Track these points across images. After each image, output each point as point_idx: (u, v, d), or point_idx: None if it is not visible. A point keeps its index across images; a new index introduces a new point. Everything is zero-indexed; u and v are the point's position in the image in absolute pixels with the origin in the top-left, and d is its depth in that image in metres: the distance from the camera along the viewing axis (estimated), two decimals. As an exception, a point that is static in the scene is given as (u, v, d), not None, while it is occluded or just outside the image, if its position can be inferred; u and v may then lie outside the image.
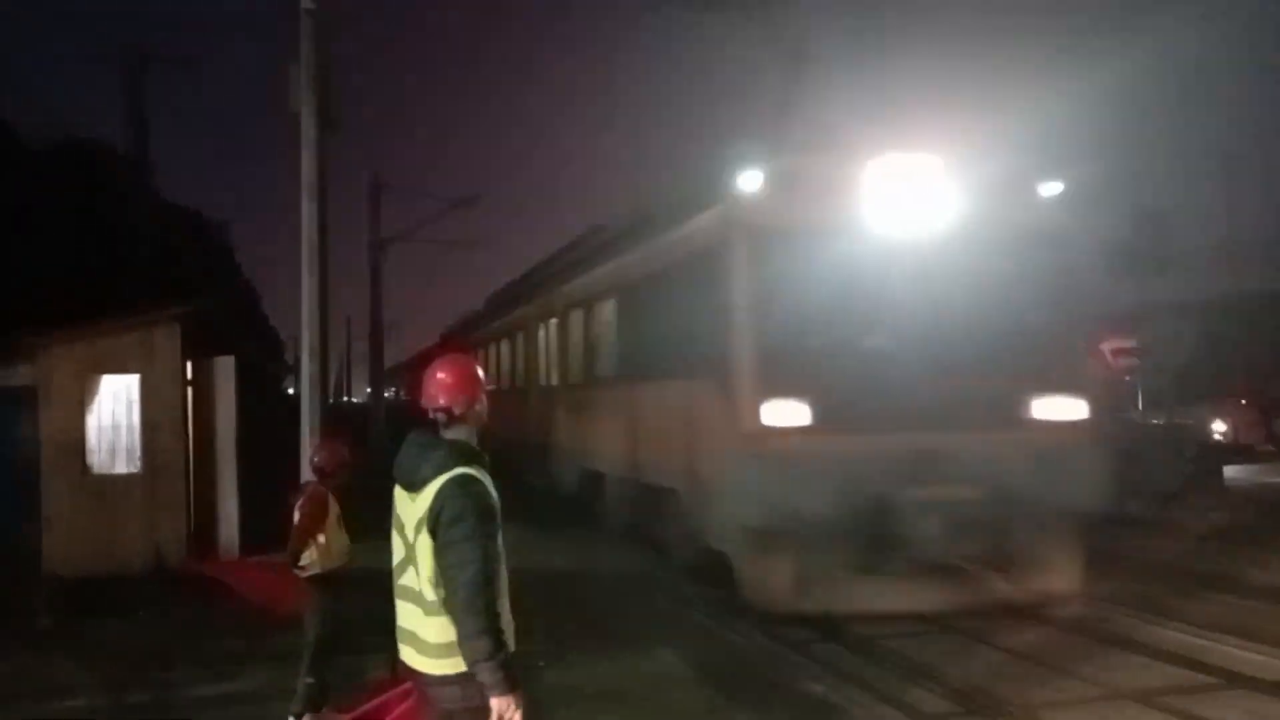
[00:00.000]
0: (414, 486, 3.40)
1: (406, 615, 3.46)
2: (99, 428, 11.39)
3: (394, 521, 3.55)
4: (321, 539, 5.94)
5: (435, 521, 3.29)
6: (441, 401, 3.55)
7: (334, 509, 6.05)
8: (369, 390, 37.98)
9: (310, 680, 5.90)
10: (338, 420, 11.14)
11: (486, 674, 3.19)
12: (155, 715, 6.43)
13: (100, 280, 17.08)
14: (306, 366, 11.05)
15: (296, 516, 6.13)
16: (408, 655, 3.46)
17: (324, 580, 6.01)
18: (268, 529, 11.58)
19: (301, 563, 5.99)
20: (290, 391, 31.13)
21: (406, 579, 3.45)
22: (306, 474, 10.47)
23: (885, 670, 7.13)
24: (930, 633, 8.14)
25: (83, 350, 11.29)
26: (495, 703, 3.21)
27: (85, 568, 10.66)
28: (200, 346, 12.04)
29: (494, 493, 3.42)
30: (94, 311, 12.36)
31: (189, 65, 23.21)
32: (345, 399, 72.32)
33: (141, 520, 11.14)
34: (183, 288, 16.87)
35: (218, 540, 11.77)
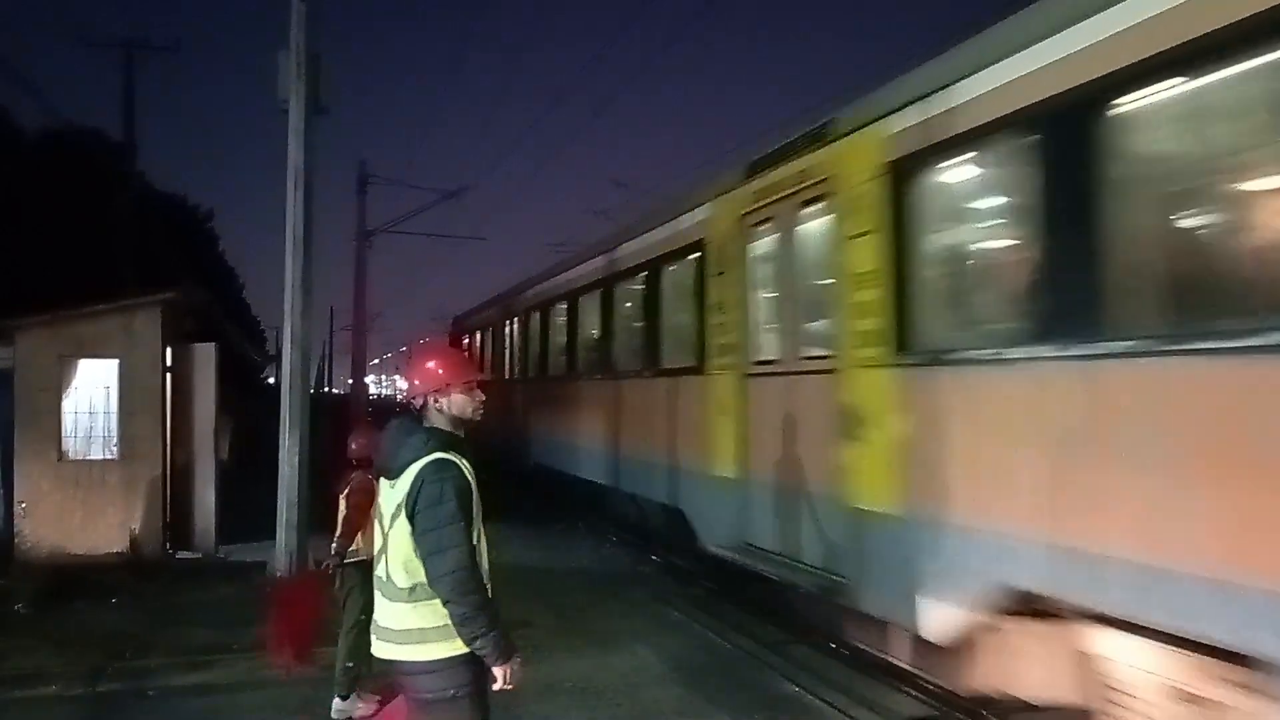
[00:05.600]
0: (393, 473, 3.46)
1: (379, 606, 3.49)
2: (76, 413, 11.32)
3: (376, 512, 3.57)
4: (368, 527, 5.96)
5: (413, 506, 3.33)
6: (420, 389, 3.58)
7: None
8: (349, 380, 37.84)
9: (349, 664, 5.99)
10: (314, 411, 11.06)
11: (488, 648, 3.30)
12: (128, 703, 6.38)
13: (82, 265, 16.94)
14: (289, 354, 10.94)
15: (343, 508, 6.16)
16: (378, 648, 3.49)
17: (368, 566, 6.03)
18: (244, 519, 11.57)
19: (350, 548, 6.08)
20: (270, 381, 31.01)
21: (380, 569, 3.49)
22: (282, 464, 10.49)
23: (861, 672, 7.15)
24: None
25: (61, 333, 11.18)
26: (498, 671, 3.35)
27: (58, 553, 10.58)
28: (181, 333, 11.96)
29: (471, 479, 3.46)
30: (75, 296, 12.23)
31: (175, 50, 23.12)
32: (326, 389, 71.98)
33: (117, 507, 11.06)
34: (164, 274, 16.73)
35: (193, 530, 11.70)
